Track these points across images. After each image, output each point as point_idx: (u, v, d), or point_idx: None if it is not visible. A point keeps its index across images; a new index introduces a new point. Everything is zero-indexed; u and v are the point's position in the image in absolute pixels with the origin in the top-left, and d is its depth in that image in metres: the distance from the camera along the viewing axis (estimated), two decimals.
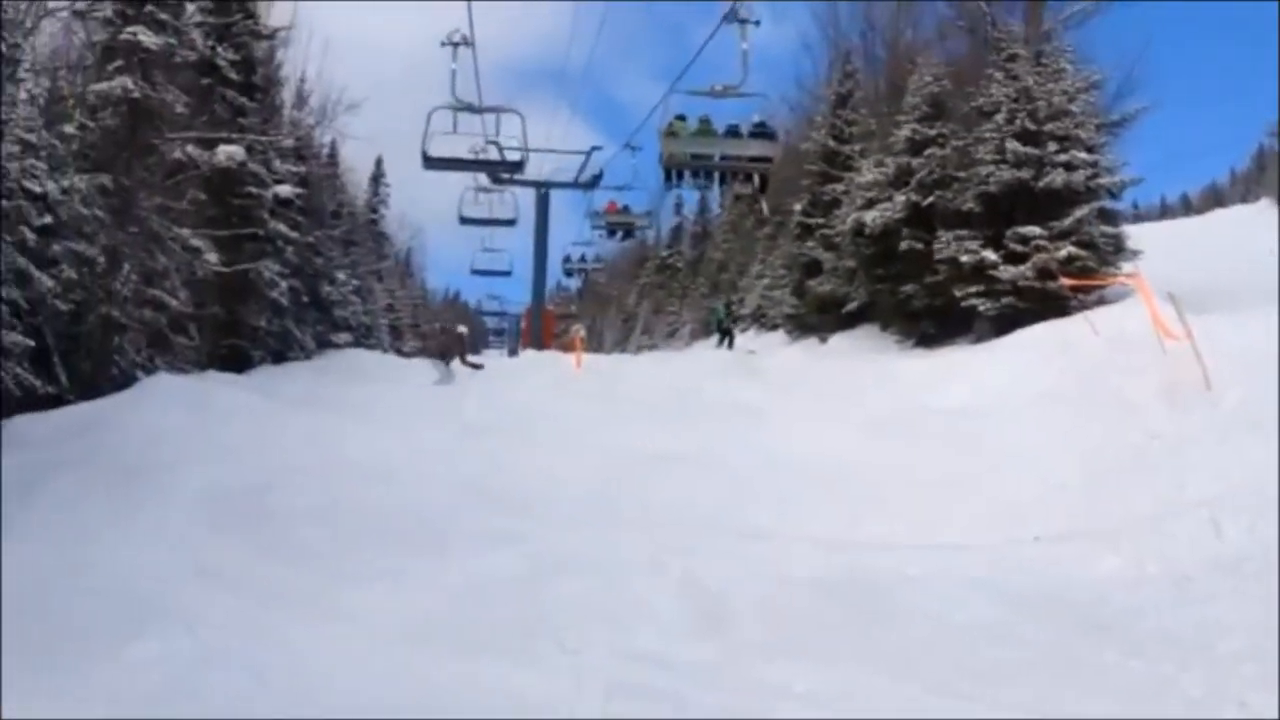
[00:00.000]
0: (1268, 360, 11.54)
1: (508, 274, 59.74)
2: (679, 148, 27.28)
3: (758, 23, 27.55)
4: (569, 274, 60.45)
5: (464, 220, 46.81)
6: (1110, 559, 7.26)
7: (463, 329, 28.49)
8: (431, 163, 34.56)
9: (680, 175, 28.45)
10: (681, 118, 27.47)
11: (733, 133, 27.81)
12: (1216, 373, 12.09)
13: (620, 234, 46.27)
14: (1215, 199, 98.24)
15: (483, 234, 54.13)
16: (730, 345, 32.42)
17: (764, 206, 39.60)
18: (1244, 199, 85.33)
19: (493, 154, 35.94)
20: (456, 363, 24.01)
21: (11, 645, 5.65)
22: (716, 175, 28.90)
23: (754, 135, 28.12)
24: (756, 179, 29.20)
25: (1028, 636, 6.01)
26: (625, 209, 44.45)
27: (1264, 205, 75.19)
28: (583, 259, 57.23)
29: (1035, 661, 5.59)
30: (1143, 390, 13.05)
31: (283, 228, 23.86)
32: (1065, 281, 20.05)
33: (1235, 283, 20.80)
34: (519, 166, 36.57)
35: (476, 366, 25.21)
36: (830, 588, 7.20)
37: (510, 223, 47.66)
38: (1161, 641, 5.59)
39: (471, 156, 35.34)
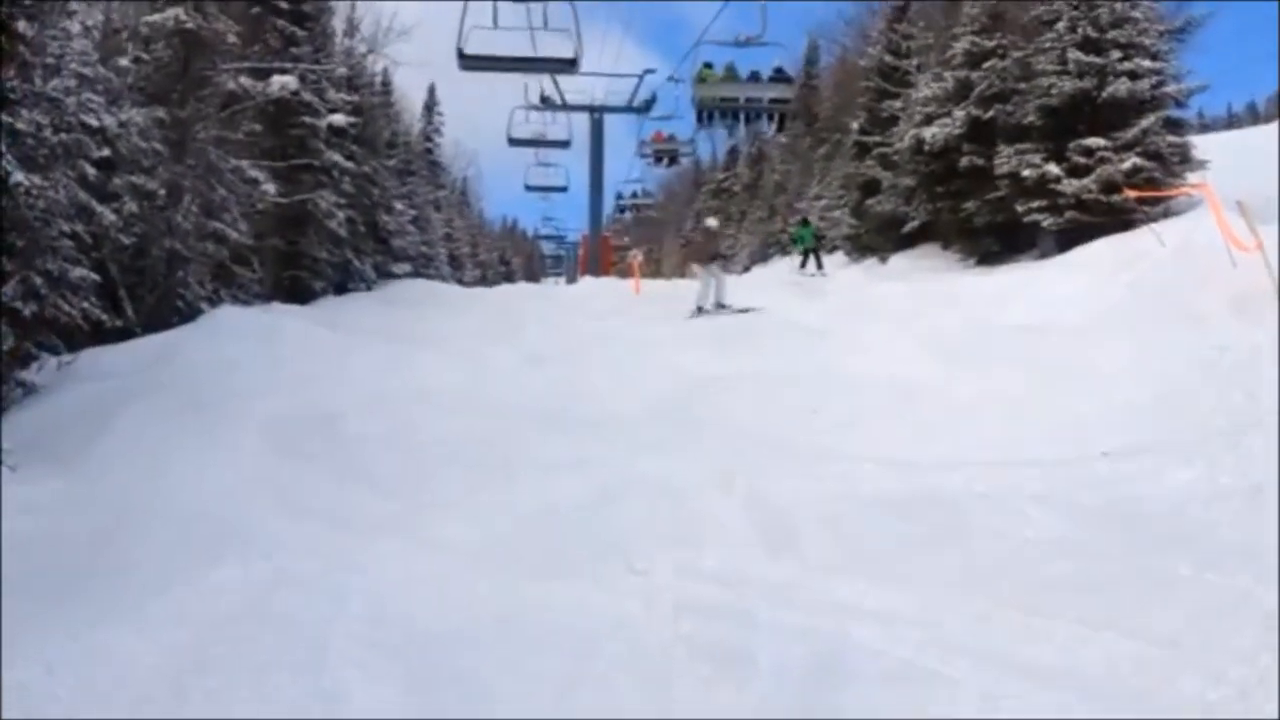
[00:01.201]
0: None
1: (564, 189, 58.82)
2: (708, 92, 30.68)
3: None
4: (622, 210, 60.07)
5: (513, 141, 46.49)
6: (1182, 472, 7.18)
7: (713, 222, 26.93)
8: (468, 61, 31.98)
9: (711, 116, 31.76)
10: (709, 65, 30.83)
11: (754, 78, 31.30)
12: None
13: (666, 161, 46.73)
14: None
15: (536, 151, 53.42)
16: (819, 266, 31.09)
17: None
18: None
19: (540, 49, 33.01)
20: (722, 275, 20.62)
21: (89, 572, 5.80)
22: (742, 115, 32.06)
23: (773, 79, 31.48)
24: (776, 117, 32.75)
25: (1099, 551, 5.96)
26: (672, 137, 44.71)
27: None
28: (634, 195, 57.58)
29: (1107, 575, 5.55)
30: (1211, 303, 12.80)
31: (338, 158, 23.92)
32: (1130, 194, 19.64)
33: None
34: (572, 65, 32.97)
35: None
36: (898, 506, 7.19)
37: (564, 144, 47.73)
38: (1237, 554, 5.51)
39: (513, 55, 32.83)
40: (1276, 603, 4.77)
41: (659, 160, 46.29)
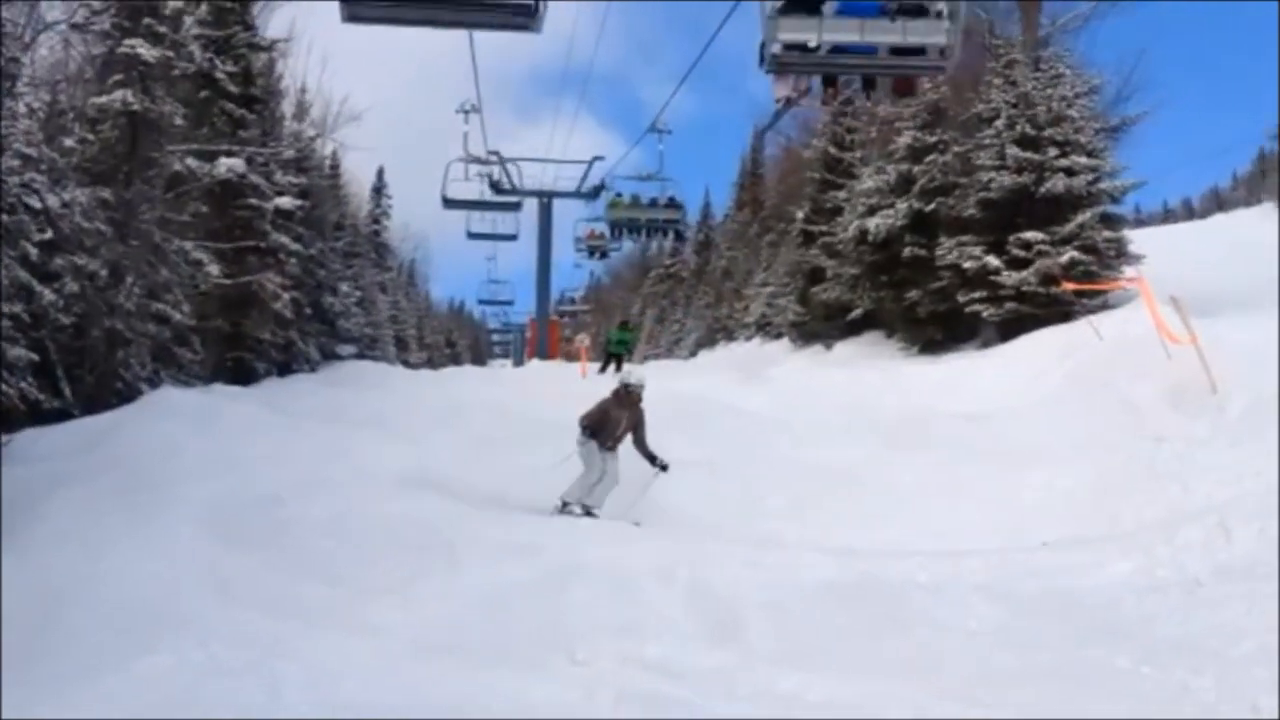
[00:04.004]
0: (1273, 363, 11.53)
1: (511, 303, 64.68)
2: (618, 214, 41.80)
3: (670, 132, 42.78)
4: (561, 315, 61.00)
5: (449, 203, 47.60)
6: (1120, 564, 7.26)
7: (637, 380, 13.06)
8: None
9: (621, 231, 42.83)
10: (619, 195, 42.22)
11: (653, 203, 41.94)
12: (1222, 376, 12.08)
13: (598, 255, 50.19)
14: (1217, 203, 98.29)
15: (488, 263, 60.16)
16: (617, 369, 26.82)
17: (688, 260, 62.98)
18: (1246, 203, 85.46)
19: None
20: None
21: (19, 657, 5.65)
22: (643, 231, 42.86)
23: (666, 205, 42.11)
24: (671, 232, 44.46)
25: (1039, 642, 6.00)
26: (602, 235, 46.84)
27: (1267, 209, 75.26)
28: (571, 300, 62.73)
29: (1047, 667, 5.58)
30: (1148, 394, 13.05)
31: (285, 240, 23.82)
32: (1068, 286, 20.06)
33: (1239, 286, 20.79)
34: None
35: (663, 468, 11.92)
36: (841, 595, 7.20)
37: (512, 238, 48.68)
38: (1173, 647, 5.57)
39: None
40: (1215, 694, 4.81)
41: (591, 254, 49.26)
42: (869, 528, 10.10)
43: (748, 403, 18.05)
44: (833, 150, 34.06)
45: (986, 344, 22.59)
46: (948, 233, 24.29)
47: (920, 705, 5.19)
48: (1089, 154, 22.53)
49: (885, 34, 9.44)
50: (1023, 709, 5.00)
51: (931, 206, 25.29)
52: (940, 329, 25.65)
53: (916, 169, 26.04)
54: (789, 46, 9.70)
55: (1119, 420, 12.69)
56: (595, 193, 44.76)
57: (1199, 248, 40.31)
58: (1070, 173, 21.99)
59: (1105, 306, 20.60)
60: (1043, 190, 22.08)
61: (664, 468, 11.36)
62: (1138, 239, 24.11)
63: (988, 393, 16.26)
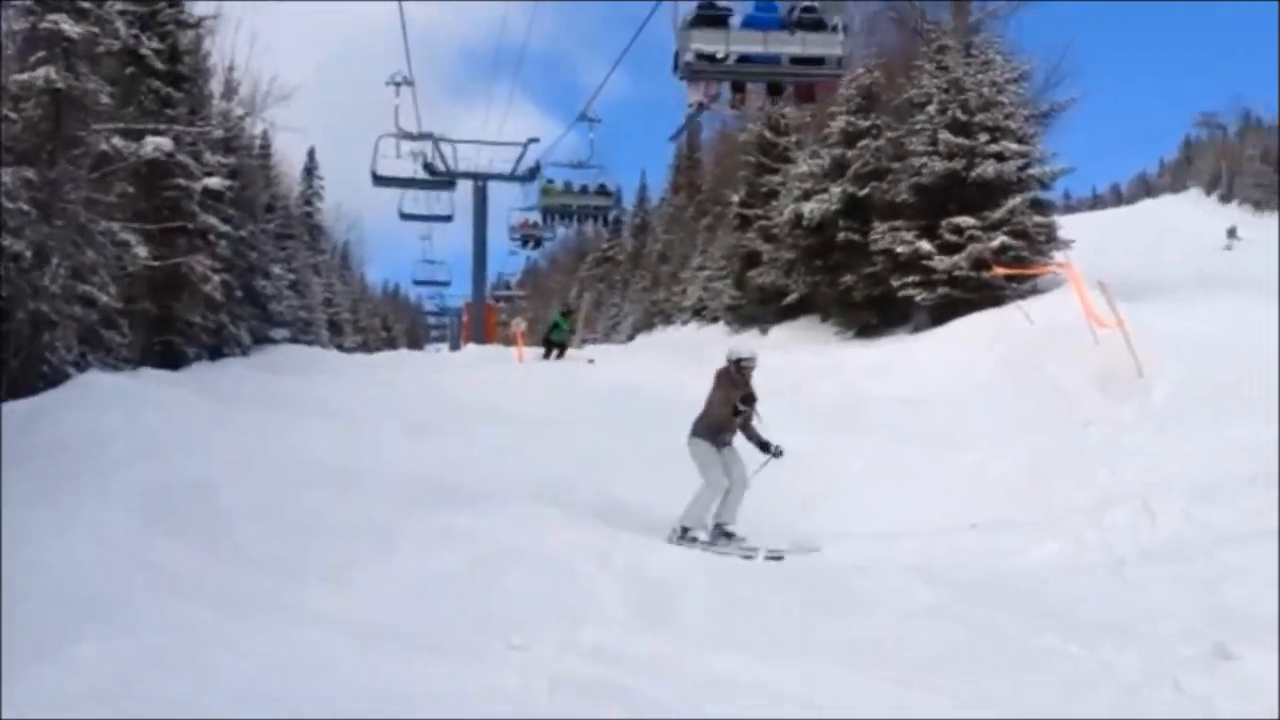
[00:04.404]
0: (1197, 347, 11.78)
1: (448, 284, 62.66)
2: (551, 200, 43.23)
3: (600, 120, 43.45)
4: (497, 299, 60.54)
5: (404, 216, 48.54)
6: (1049, 547, 7.40)
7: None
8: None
9: (553, 216, 44.44)
10: (551, 181, 43.61)
11: (584, 190, 43.24)
12: (1148, 361, 12.32)
13: (532, 244, 51.49)
14: (1145, 189, 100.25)
15: (423, 243, 58.38)
16: (560, 357, 27.82)
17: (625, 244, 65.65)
18: (1172, 189, 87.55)
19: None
20: None
21: None
22: (575, 218, 44.71)
23: (597, 192, 43.46)
24: (600, 218, 46.85)
25: (968, 623, 6.08)
26: (536, 224, 47.77)
27: (1193, 195, 77.19)
28: (507, 285, 60.82)
29: (978, 648, 5.66)
30: (1077, 379, 13.28)
31: (214, 221, 23.44)
32: (999, 271, 20.34)
33: (1165, 271, 21.23)
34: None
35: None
36: (774, 578, 7.25)
37: (447, 219, 48.13)
38: (1099, 627, 5.68)
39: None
40: (1140, 673, 4.90)
41: (525, 243, 50.50)
42: (807, 511, 10.19)
43: (685, 388, 18.04)
44: (768, 134, 34.22)
45: (919, 328, 22.86)
46: (881, 217, 24.52)
47: (857, 687, 5.25)
48: (1019, 140, 22.85)
49: (786, 45, 10.84)
50: (957, 691, 5.07)
51: (865, 191, 25.51)
52: (874, 313, 25.93)
53: (850, 154, 26.25)
54: (700, 56, 10.81)
55: (1049, 404, 12.91)
56: (531, 175, 44.59)
57: (1127, 233, 41.11)
58: (1001, 158, 22.28)
59: (1035, 291, 20.93)
60: (974, 175, 22.35)
61: (778, 453, 9.86)
62: (1067, 224, 24.51)
63: (921, 377, 16.44)
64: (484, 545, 7.93)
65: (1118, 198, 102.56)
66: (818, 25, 10.81)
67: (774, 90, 12.24)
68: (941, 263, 22.28)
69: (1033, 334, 16.20)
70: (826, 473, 11.47)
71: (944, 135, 22.76)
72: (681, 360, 24.21)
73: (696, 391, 11.81)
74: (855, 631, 6.10)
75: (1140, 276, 19.02)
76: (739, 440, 10.18)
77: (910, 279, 22.98)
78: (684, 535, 9.42)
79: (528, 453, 12.44)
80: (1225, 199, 73.09)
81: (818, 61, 11.03)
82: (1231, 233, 45.27)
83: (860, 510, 10.14)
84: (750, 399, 10.07)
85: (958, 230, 22.28)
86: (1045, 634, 5.65)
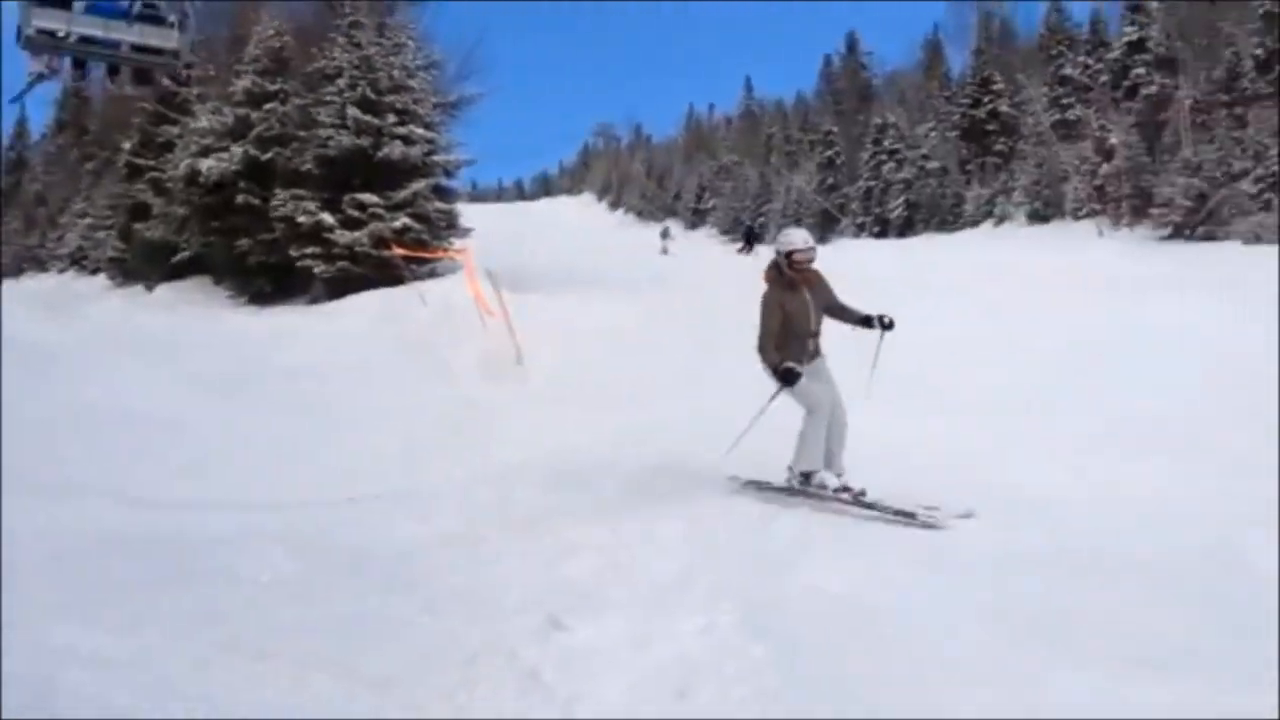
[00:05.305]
0: (567, 337, 12.87)
1: None
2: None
3: None
4: None
5: None
6: (415, 521, 7.73)
7: None
8: None
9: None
10: None
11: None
12: (527, 348, 13.25)
13: None
14: (546, 188, 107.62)
15: None
16: None
17: None
18: (569, 190, 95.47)
19: None
20: None
21: None
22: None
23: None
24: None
25: (330, 594, 6.18)
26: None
27: (586, 198, 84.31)
28: None
29: (334, 618, 5.74)
30: (465, 361, 13.96)
31: None
32: (399, 251, 20.80)
33: (550, 263, 22.80)
34: None
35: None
36: (128, 546, 6.95)
37: None
38: (453, 598, 6.00)
39: None
40: (479, 641, 5.28)
41: None
42: (186, 478, 9.85)
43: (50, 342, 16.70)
44: (168, 82, 32.34)
45: (316, 300, 22.81)
46: (284, 184, 24.14)
47: (202, 658, 5.15)
48: (426, 126, 23.50)
49: (125, 34, 11.25)
50: (305, 660, 5.11)
51: (269, 156, 24.96)
52: (271, 281, 25.43)
53: (255, 115, 25.53)
54: (42, 31, 11.03)
55: (438, 384, 13.45)
56: None
57: (524, 225, 43.68)
58: (408, 141, 22.80)
59: (433, 274, 21.64)
60: (380, 155, 22.69)
61: (890, 325, 7.41)
62: (469, 213, 25.55)
63: (317, 350, 16.41)
64: None
65: (521, 193, 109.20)
66: (156, 20, 11.45)
67: (114, 70, 12.51)
68: (343, 237, 22.36)
69: (427, 315, 16.76)
70: (204, 442, 11.15)
71: (353, 111, 22.84)
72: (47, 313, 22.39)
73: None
74: (210, 602, 5.93)
75: (532, 269, 20.24)
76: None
77: (310, 250, 22.82)
78: (805, 481, 7.50)
79: None
80: (614, 205, 79.83)
81: (156, 51, 11.58)
82: (665, 233, 46.35)
83: (243, 480, 9.95)
84: (828, 294, 7.66)
85: (361, 206, 22.47)
86: (405, 605, 5.90)
